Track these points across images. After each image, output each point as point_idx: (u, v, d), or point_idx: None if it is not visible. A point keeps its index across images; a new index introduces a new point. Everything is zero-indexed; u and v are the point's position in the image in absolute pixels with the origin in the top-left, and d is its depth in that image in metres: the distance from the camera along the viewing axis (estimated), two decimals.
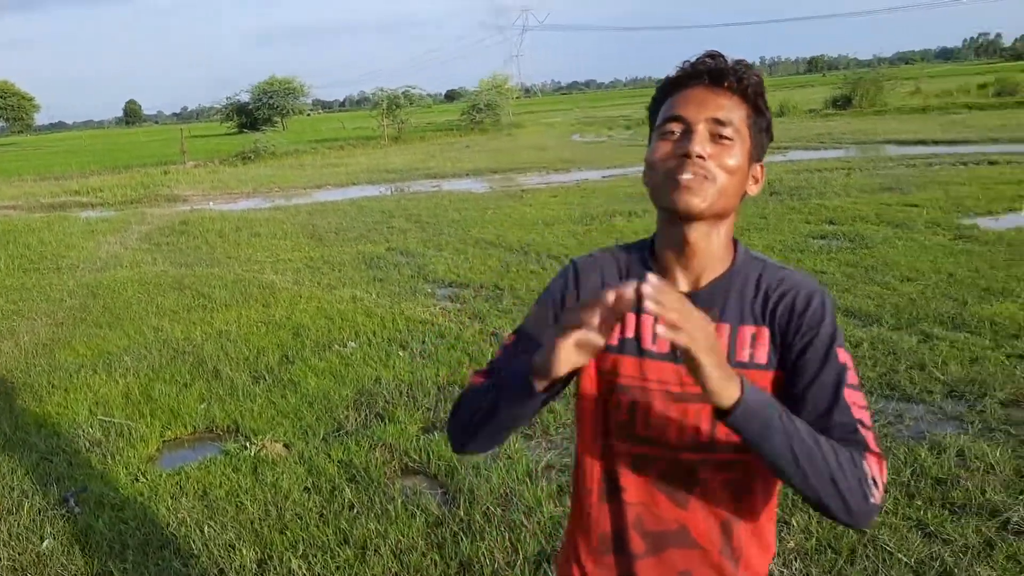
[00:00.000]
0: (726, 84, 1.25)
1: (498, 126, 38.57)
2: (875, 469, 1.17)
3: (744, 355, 1.26)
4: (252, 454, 4.25)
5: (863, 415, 1.22)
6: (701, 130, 1.23)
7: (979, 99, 30.41)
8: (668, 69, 1.33)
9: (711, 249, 1.29)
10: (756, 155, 1.30)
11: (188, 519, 3.65)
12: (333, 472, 3.98)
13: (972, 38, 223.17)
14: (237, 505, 3.75)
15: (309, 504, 3.71)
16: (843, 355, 1.25)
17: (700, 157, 1.21)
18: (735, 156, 1.24)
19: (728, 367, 1.08)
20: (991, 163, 13.81)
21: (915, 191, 11.24)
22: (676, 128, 1.25)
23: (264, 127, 49.39)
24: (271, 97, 56.50)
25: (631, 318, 1.30)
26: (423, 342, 5.92)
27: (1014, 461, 3.54)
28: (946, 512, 3.18)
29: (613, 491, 1.34)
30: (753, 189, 1.32)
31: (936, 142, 18.31)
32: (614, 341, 1.31)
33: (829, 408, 1.21)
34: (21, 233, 13.38)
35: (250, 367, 5.68)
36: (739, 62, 1.27)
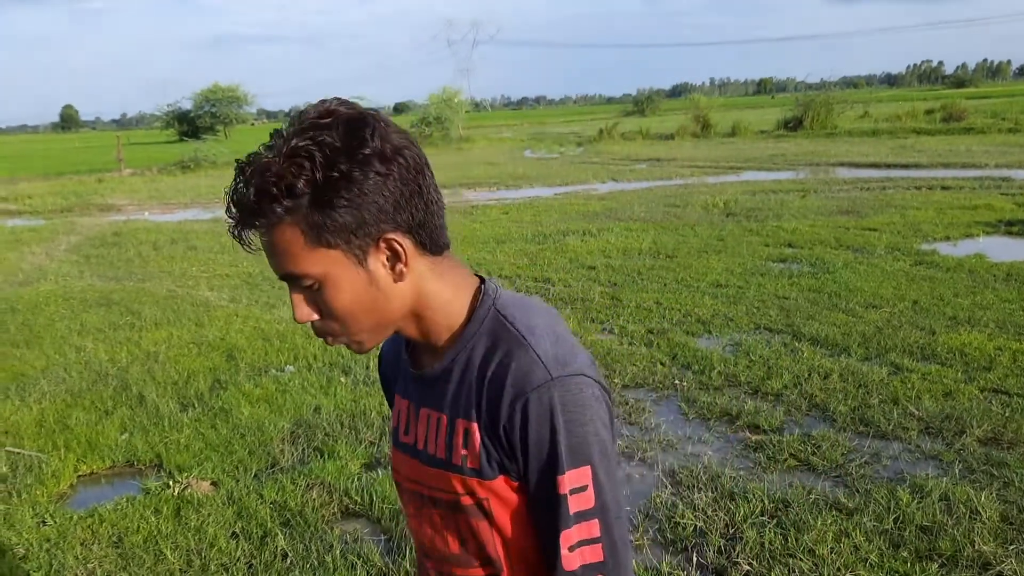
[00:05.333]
0: (257, 225, 0.92)
1: (448, 140, 38.18)
2: None
3: (458, 457, 1.01)
4: (175, 493, 3.86)
5: (591, 555, 0.95)
6: (294, 294, 0.97)
7: (926, 124, 30.44)
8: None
9: (430, 329, 1.03)
10: (359, 248, 0.93)
11: (99, 570, 3.27)
12: (265, 515, 3.62)
13: (915, 65, 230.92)
14: (156, 554, 3.37)
15: (237, 553, 3.35)
16: (567, 482, 0.93)
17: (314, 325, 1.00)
18: (336, 296, 0.94)
19: None
20: (944, 188, 13.81)
21: (872, 215, 11.23)
22: None
23: (206, 136, 48.12)
24: (214, 105, 55.24)
25: (399, 402, 1.14)
26: (367, 367, 5.58)
27: (1000, 506, 3.36)
28: (935, 565, 2.97)
29: None
30: (402, 274, 0.96)
31: (889, 165, 18.41)
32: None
33: (550, 555, 0.97)
34: None
35: (178, 393, 5.27)
36: (256, 158, 0.93)
